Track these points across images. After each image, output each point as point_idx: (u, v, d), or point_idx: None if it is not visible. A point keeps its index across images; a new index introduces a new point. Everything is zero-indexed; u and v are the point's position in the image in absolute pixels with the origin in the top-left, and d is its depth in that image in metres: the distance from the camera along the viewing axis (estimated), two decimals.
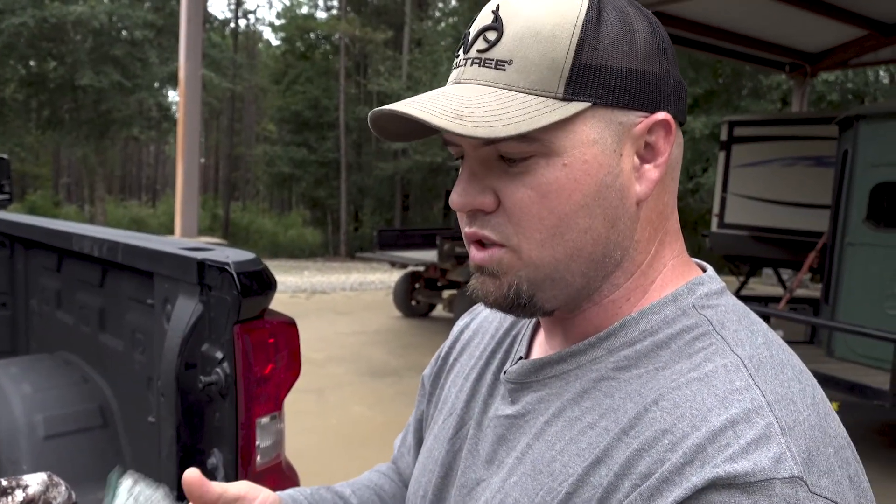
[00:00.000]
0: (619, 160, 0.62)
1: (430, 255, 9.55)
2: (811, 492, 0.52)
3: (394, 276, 12.64)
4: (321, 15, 33.02)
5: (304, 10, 33.44)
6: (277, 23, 36.58)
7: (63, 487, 1.15)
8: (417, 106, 0.60)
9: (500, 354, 0.79)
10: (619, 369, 0.63)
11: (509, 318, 0.83)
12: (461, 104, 0.60)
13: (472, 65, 0.63)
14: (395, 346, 8.19)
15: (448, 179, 19.60)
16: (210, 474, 1.50)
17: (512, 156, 0.62)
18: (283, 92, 28.74)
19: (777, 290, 10.18)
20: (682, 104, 0.65)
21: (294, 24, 29.96)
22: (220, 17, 38.58)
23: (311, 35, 29.92)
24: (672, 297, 0.64)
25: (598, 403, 0.62)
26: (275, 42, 36.78)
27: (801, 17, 8.13)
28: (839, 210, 5.76)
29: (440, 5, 31.30)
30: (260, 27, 48.78)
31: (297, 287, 12.73)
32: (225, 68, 26.06)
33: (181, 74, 7.31)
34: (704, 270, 0.70)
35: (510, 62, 0.60)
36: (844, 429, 0.59)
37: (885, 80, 21.74)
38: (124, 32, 22.20)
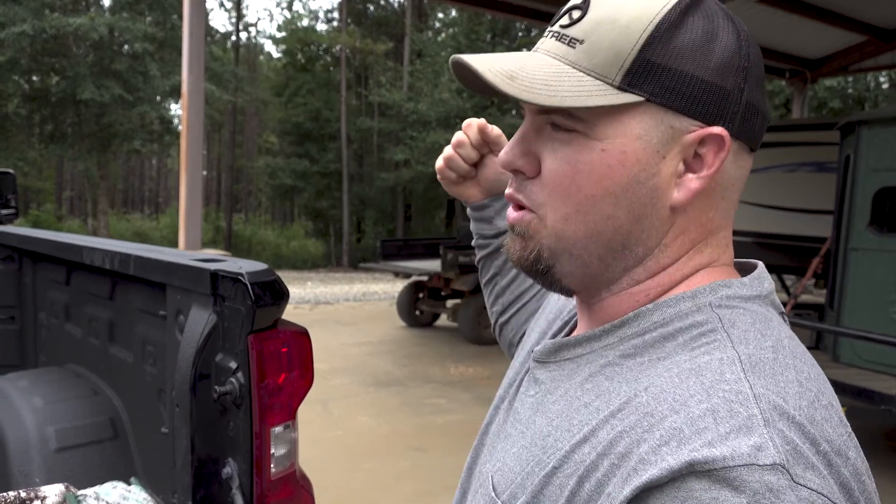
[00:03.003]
0: (659, 161, 0.63)
1: (434, 265, 9.55)
2: (794, 481, 0.50)
3: (397, 287, 12.66)
4: (322, 27, 33.21)
5: (305, 22, 33.61)
6: (278, 35, 36.70)
7: None
8: (483, 61, 0.64)
9: (550, 334, 0.84)
10: (624, 356, 0.64)
11: (565, 307, 0.87)
12: (519, 67, 0.63)
13: (551, 37, 0.66)
14: (400, 357, 8.18)
15: None
16: (225, 483, 1.51)
17: (559, 125, 0.64)
18: (285, 104, 28.85)
19: (781, 297, 10.18)
20: (753, 129, 0.65)
21: (295, 37, 30.09)
22: (222, 30, 38.77)
23: (312, 47, 30.04)
24: (691, 294, 0.64)
25: (598, 386, 0.64)
26: (276, 54, 36.99)
27: (801, 23, 8.18)
28: (842, 215, 5.77)
29: (440, 16, 31.42)
30: (261, 40, 49.01)
31: (300, 298, 12.74)
32: (226, 81, 26.14)
33: (184, 88, 7.34)
34: (754, 269, 0.69)
35: (582, 42, 0.63)
36: (854, 440, 0.57)
37: (886, 85, 21.77)
38: (126, 46, 22.31)
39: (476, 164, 1.06)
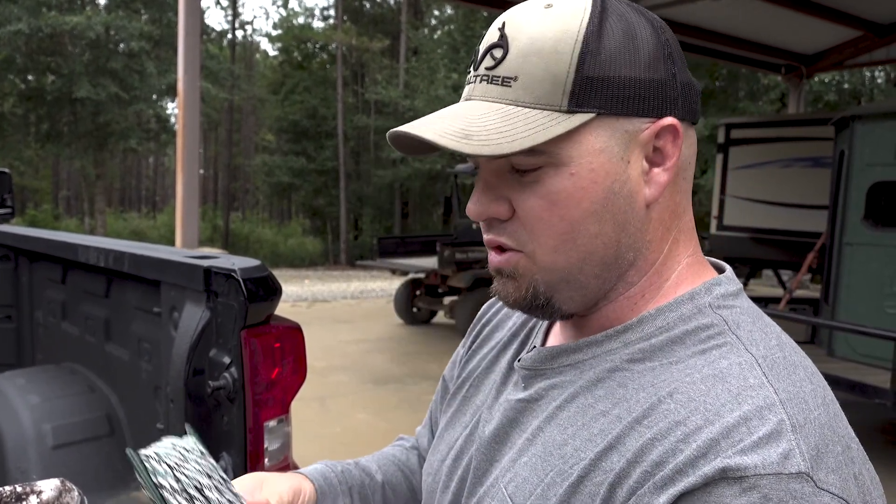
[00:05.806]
0: (626, 167, 0.64)
1: (431, 262, 9.57)
2: (818, 487, 0.53)
3: (394, 284, 12.66)
4: (318, 24, 33.16)
5: (301, 20, 33.55)
6: (274, 33, 36.64)
7: (76, 493, 1.17)
8: (429, 128, 0.64)
9: (516, 345, 0.82)
10: (633, 361, 0.65)
11: (510, 316, 0.86)
12: (468, 123, 0.63)
13: (481, 82, 0.66)
14: (397, 354, 8.20)
15: (447, 186, 19.67)
16: None
17: (522, 167, 0.64)
18: (281, 102, 28.78)
19: (777, 291, 10.20)
20: (693, 104, 0.67)
21: (291, 34, 30.02)
22: (218, 28, 38.49)
23: (308, 45, 29.99)
24: (689, 296, 0.66)
25: (612, 392, 0.64)
26: (272, 52, 36.91)
27: (796, 18, 8.18)
28: (837, 210, 5.78)
29: (436, 13, 31.39)
30: (257, 38, 48.92)
31: (298, 296, 12.74)
32: (223, 79, 26.11)
33: (180, 86, 7.33)
34: (723, 271, 0.71)
35: (515, 79, 0.63)
36: (852, 429, 0.61)
37: (881, 80, 21.78)
38: (122, 45, 22.27)
39: None
